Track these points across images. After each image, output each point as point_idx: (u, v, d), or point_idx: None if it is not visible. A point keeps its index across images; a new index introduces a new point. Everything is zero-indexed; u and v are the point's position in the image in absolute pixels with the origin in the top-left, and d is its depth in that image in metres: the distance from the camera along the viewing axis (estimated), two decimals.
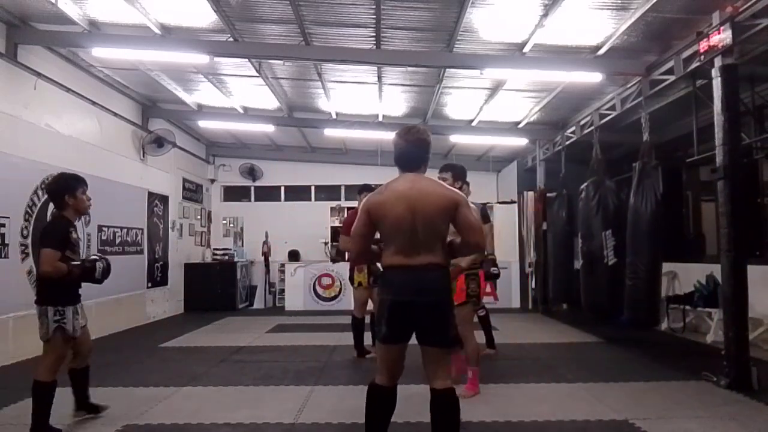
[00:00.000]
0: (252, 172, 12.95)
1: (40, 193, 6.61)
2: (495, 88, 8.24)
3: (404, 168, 3.03)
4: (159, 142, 9.63)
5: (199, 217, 12.22)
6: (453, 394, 2.89)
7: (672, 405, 4.41)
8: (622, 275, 7.08)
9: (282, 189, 13.24)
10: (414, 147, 3.04)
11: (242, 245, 12.78)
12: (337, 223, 12.39)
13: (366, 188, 6.36)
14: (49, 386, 3.66)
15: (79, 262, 3.79)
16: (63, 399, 4.69)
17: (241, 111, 10.06)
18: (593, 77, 6.92)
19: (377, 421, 2.97)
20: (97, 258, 3.94)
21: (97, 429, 3.96)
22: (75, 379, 4.04)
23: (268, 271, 12.11)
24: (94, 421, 4.09)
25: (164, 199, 10.36)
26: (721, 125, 5.00)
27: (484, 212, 6.59)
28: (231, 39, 6.71)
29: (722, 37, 4.98)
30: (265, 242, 12.06)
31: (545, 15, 5.76)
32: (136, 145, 9.43)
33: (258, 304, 12.15)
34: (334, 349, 6.87)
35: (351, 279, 6.31)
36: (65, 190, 3.80)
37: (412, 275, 2.86)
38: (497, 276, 6.65)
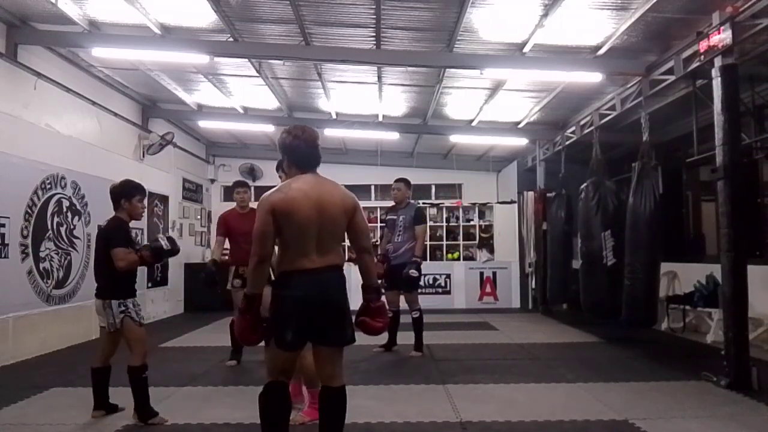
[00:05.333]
0: (252, 172, 12.92)
1: (40, 193, 6.61)
2: (495, 88, 8.23)
3: (305, 168, 2.99)
4: (163, 142, 9.63)
5: (199, 217, 12.21)
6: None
7: (672, 405, 4.41)
8: (620, 276, 7.11)
9: None
10: (312, 147, 3.02)
11: None
12: None
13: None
14: (142, 369, 4.03)
15: (142, 247, 4.28)
16: (64, 398, 4.70)
17: (241, 111, 10.06)
18: (593, 77, 6.93)
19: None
20: (157, 238, 4.37)
21: (97, 429, 3.96)
22: (101, 377, 4.19)
23: None
24: (94, 421, 4.08)
25: (164, 199, 10.35)
26: (721, 125, 5.00)
27: (420, 213, 6.57)
28: (231, 39, 6.70)
29: (722, 37, 4.98)
30: None
31: (545, 15, 5.76)
32: (136, 145, 9.42)
33: None
34: None
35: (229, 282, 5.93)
36: (122, 195, 4.22)
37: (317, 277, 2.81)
38: (416, 278, 6.36)
